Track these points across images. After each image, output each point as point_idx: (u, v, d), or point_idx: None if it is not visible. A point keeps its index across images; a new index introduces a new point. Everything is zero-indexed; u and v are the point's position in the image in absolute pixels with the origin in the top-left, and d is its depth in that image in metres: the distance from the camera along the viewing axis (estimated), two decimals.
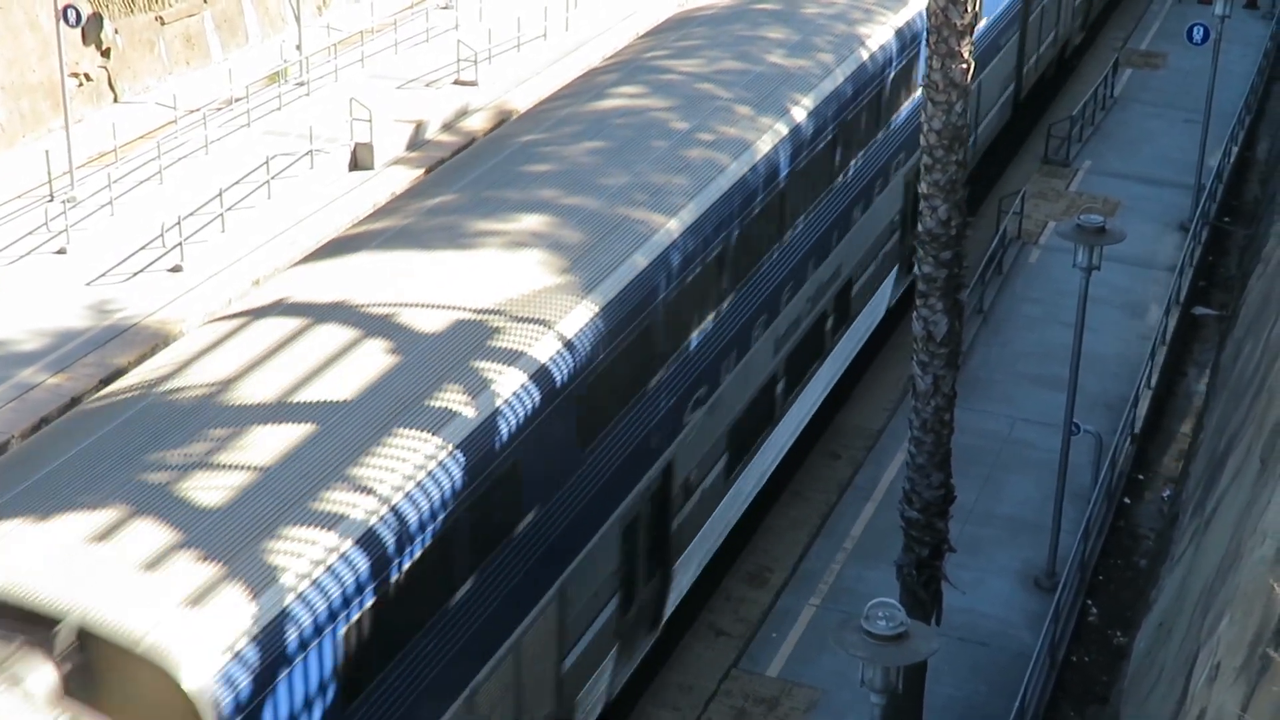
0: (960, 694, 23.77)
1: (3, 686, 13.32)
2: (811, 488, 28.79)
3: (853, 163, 28.53)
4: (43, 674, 13.54)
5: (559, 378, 18.84)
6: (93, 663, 13.78)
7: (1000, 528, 27.62)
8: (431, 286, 19.44)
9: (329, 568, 15.08)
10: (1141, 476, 30.80)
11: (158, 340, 31.03)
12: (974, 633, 24.89)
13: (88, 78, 41.91)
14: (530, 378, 18.37)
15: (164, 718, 13.67)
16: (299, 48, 46.12)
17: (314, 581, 14.88)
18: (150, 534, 14.72)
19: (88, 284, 33.72)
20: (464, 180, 22.95)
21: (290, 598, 14.60)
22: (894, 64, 29.92)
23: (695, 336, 22.67)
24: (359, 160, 40.65)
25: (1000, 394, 31.74)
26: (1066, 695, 24.62)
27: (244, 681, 13.92)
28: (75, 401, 28.47)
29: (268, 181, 38.13)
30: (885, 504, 27.47)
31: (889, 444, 29.69)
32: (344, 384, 17.33)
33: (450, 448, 16.93)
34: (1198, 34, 43.27)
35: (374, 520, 15.73)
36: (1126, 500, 29.82)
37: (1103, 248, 23.90)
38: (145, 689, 13.67)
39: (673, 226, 22.01)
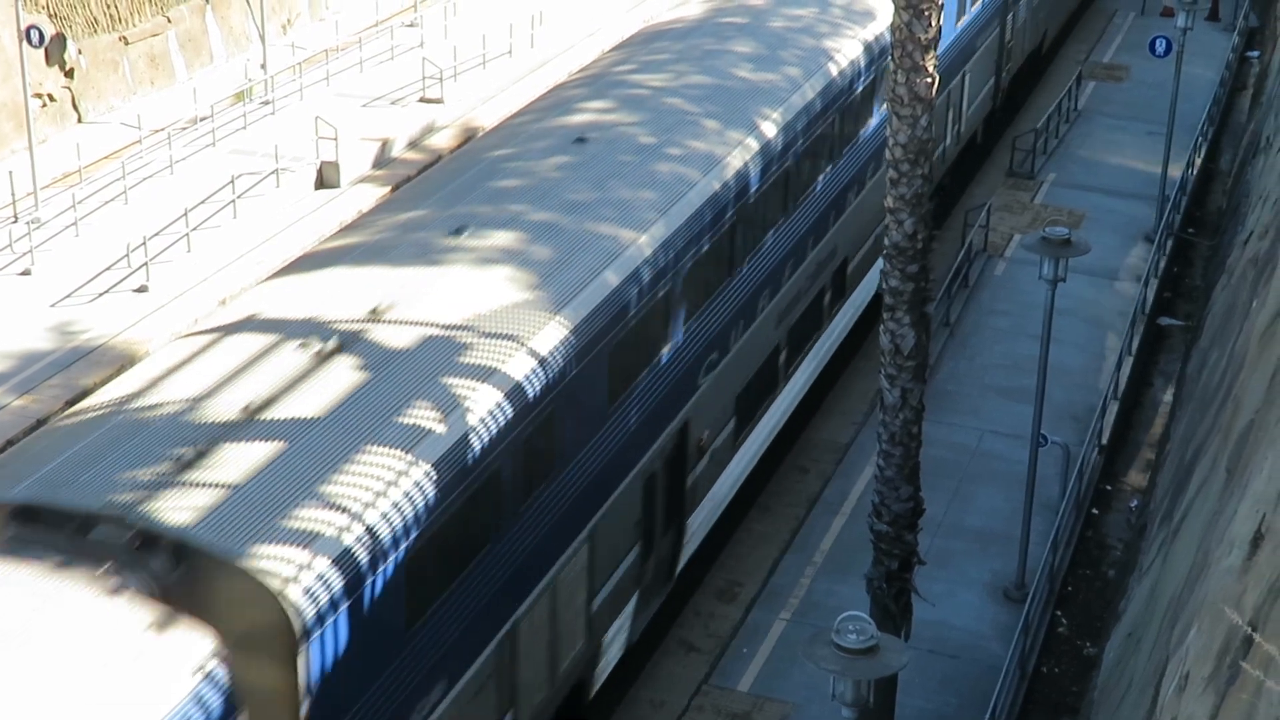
0: (931, 706, 23.80)
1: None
2: (780, 502, 28.81)
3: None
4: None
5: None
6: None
7: (969, 540, 27.68)
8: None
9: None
10: (1109, 487, 30.90)
11: (124, 361, 30.91)
12: (944, 645, 24.93)
13: (51, 98, 41.76)
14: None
15: None
16: (264, 66, 46.05)
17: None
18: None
19: (52, 305, 33.59)
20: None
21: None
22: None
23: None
24: (325, 179, 40.60)
25: (968, 406, 31.83)
26: (1037, 706, 24.67)
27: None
28: (41, 423, 28.34)
29: (234, 201, 38.04)
30: (854, 517, 27.51)
31: (857, 457, 29.75)
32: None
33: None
34: (1160, 46, 43.52)
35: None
36: (1094, 511, 29.91)
37: (1068, 260, 23.99)
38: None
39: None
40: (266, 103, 44.45)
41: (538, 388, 18.90)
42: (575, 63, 46.52)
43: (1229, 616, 13.09)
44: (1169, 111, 40.23)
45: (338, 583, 15.32)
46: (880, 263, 20.58)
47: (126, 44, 44.25)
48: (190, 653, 13.94)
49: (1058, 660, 25.89)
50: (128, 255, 34.87)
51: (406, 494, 16.52)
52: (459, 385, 18.07)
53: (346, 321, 18.83)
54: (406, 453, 16.86)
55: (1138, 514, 29.53)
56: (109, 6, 43.67)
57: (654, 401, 21.80)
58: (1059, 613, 26.82)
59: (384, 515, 16.11)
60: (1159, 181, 40.82)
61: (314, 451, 16.23)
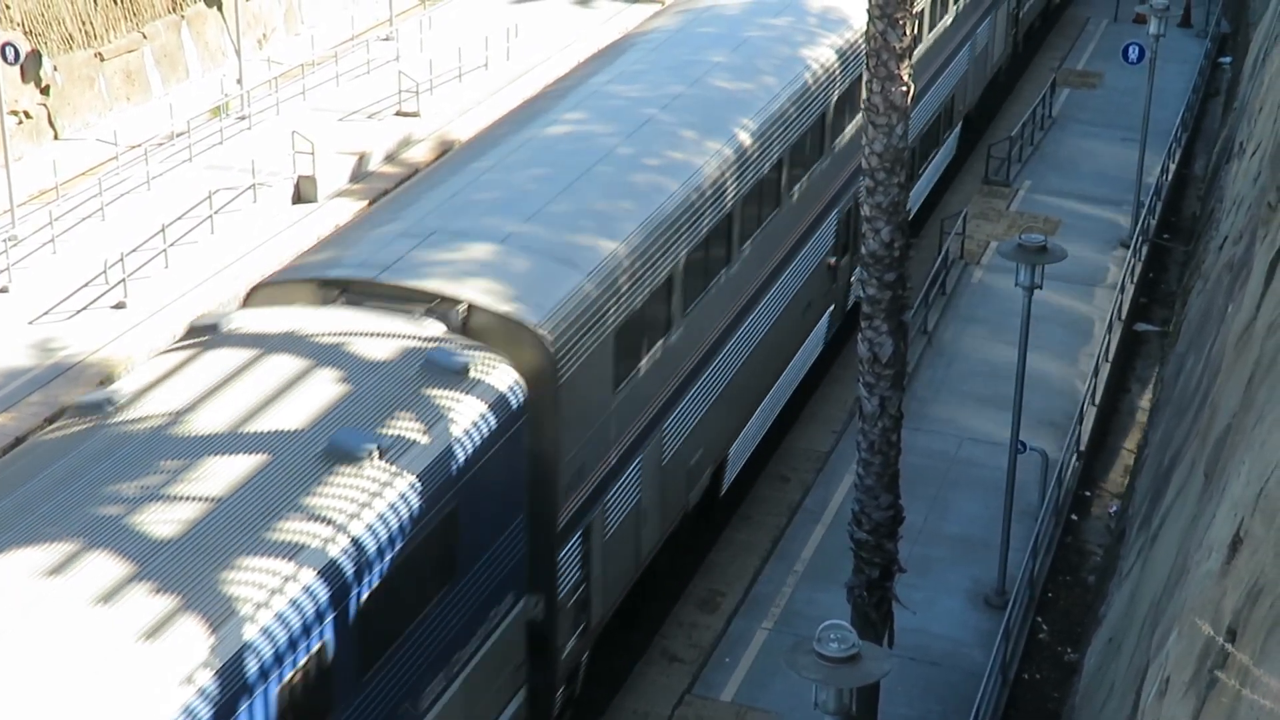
0: (913, 714, 23.84)
1: None
2: (761, 511, 28.85)
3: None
4: None
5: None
6: None
7: (949, 547, 27.74)
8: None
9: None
10: (1088, 493, 30.99)
11: (102, 378, 30.88)
12: (926, 652, 24.98)
13: (27, 115, 41.70)
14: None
15: None
16: (240, 81, 46.05)
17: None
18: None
19: (30, 323, 33.53)
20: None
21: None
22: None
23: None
24: (302, 193, 40.59)
25: (946, 414, 31.90)
26: (1019, 713, 24.73)
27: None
28: (19, 441, 28.28)
29: (211, 216, 38.02)
30: (835, 526, 27.55)
31: (837, 466, 29.80)
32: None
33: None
34: (1133, 53, 43.69)
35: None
36: (1074, 517, 29.99)
37: (1044, 266, 24.07)
38: None
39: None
40: (243, 118, 44.44)
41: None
42: (551, 75, 46.61)
43: (1202, 629, 13.16)
44: (1143, 117, 40.41)
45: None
46: None
47: (102, 60, 44.20)
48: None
49: (1039, 666, 25.95)
50: (105, 272, 34.84)
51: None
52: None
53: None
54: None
55: (1117, 519, 29.62)
56: (84, 23, 43.63)
57: None
58: (1039, 619, 26.88)
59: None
60: (1134, 187, 40.99)
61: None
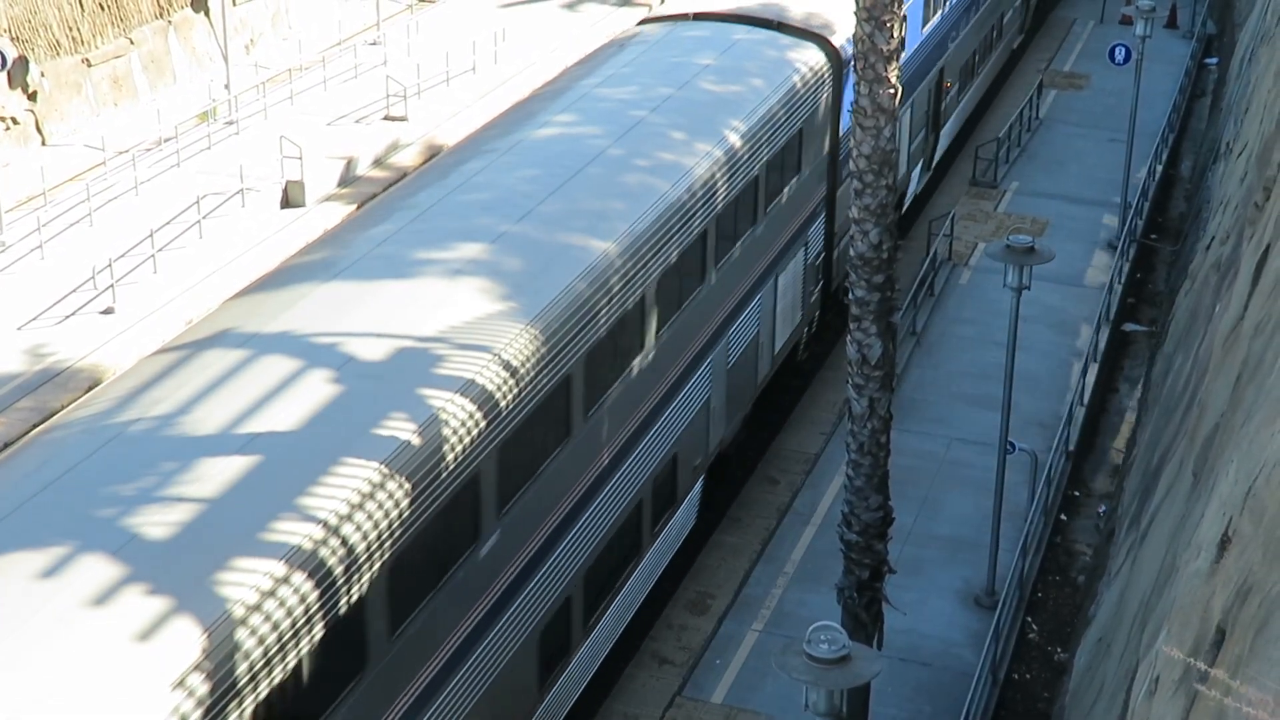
0: (904, 714, 23.88)
1: None
2: (750, 513, 28.88)
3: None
4: None
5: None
6: None
7: (939, 548, 27.79)
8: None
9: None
10: (1077, 493, 31.05)
11: (91, 383, 30.83)
12: (916, 653, 25.03)
13: (14, 121, 41.64)
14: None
15: None
16: (227, 86, 45.98)
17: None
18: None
19: (19, 328, 33.46)
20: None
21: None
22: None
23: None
24: (290, 198, 40.55)
25: (936, 415, 31.95)
26: (1009, 713, 24.78)
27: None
28: (6, 446, 28.25)
29: (199, 221, 37.97)
30: (824, 527, 27.60)
31: (826, 468, 29.85)
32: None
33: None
34: (1119, 54, 43.81)
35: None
36: (1063, 517, 30.05)
37: (1032, 267, 24.13)
38: None
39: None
40: (231, 122, 44.39)
41: None
42: (538, 79, 46.61)
43: (1173, 655, 13.18)
44: (1130, 118, 40.49)
45: None
46: None
47: (89, 66, 44.14)
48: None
49: (1029, 666, 26.00)
50: (93, 277, 34.77)
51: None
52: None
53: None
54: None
55: (1105, 519, 29.68)
56: (71, 29, 43.58)
57: None
58: (1029, 619, 26.93)
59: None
60: (1121, 188, 41.08)
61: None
